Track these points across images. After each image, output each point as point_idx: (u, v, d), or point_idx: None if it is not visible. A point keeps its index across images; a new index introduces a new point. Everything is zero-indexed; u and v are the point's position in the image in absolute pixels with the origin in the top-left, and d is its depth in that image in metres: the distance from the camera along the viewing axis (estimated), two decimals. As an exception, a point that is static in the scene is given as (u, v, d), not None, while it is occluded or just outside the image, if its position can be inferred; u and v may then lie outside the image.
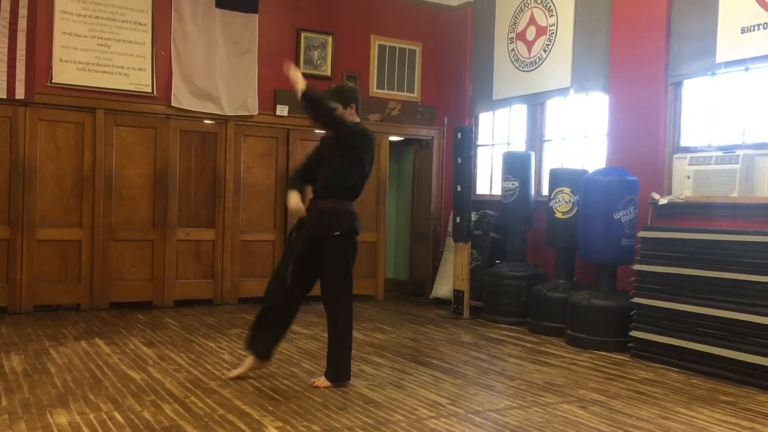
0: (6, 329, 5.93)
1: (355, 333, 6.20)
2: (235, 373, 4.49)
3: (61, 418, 3.60)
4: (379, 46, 8.43)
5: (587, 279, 6.51)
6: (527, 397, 4.30)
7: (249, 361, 4.51)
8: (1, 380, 4.31)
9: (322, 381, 4.40)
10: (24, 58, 6.60)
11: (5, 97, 6.55)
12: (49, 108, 6.81)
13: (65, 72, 6.82)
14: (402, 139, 8.92)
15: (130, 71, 7.09)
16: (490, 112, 8.39)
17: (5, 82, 6.54)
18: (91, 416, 3.66)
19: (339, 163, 4.38)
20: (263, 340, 4.48)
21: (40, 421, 3.54)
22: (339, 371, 4.43)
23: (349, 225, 4.40)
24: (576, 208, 6.37)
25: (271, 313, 4.46)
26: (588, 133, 7.07)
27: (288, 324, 4.56)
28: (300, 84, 4.23)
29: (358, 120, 4.52)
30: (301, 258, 4.36)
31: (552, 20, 7.28)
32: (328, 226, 4.34)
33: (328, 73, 8.10)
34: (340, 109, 4.42)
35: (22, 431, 3.40)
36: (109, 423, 3.56)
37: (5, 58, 6.53)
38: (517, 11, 7.76)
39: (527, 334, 6.48)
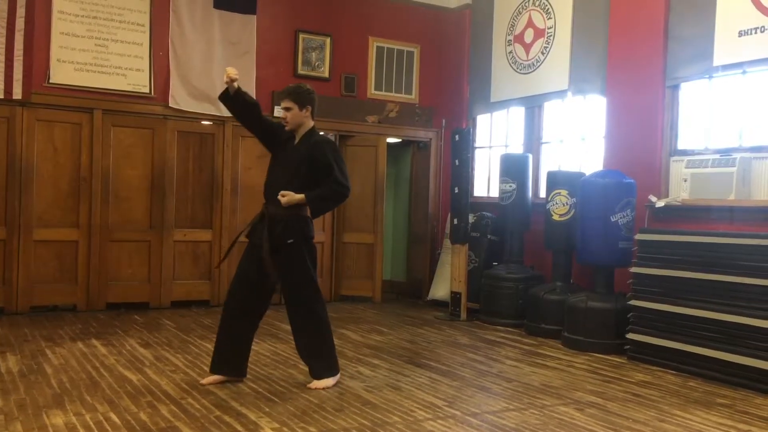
0: (2, 330, 5.91)
1: (351, 334, 6.22)
2: (208, 380, 4.40)
3: (57, 419, 3.60)
4: (378, 47, 8.43)
5: (584, 281, 6.51)
6: (524, 399, 4.30)
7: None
8: (-3, 381, 4.30)
9: (318, 383, 4.38)
10: (21, 58, 6.59)
11: (2, 97, 6.54)
12: (47, 108, 6.80)
13: (63, 72, 6.82)
14: (400, 140, 8.92)
15: (127, 72, 7.09)
16: (488, 114, 8.40)
17: (2, 82, 6.53)
18: (87, 417, 3.65)
19: (305, 171, 4.31)
20: (233, 358, 4.38)
21: (36, 422, 3.54)
22: (330, 363, 4.43)
23: (302, 232, 4.34)
24: (573, 210, 6.38)
25: (233, 321, 4.34)
26: (585, 136, 7.08)
27: (253, 332, 4.45)
28: (296, 198, 4.22)
29: (312, 123, 4.45)
30: (255, 266, 4.29)
31: (550, 23, 7.29)
32: (281, 234, 4.27)
33: (326, 74, 8.10)
34: (295, 109, 4.34)
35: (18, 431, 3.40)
36: (106, 424, 3.55)
37: (2, 58, 6.52)
38: (515, 13, 7.77)
39: (524, 336, 6.48)
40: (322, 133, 4.62)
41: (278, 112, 7.70)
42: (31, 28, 6.64)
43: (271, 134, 4.51)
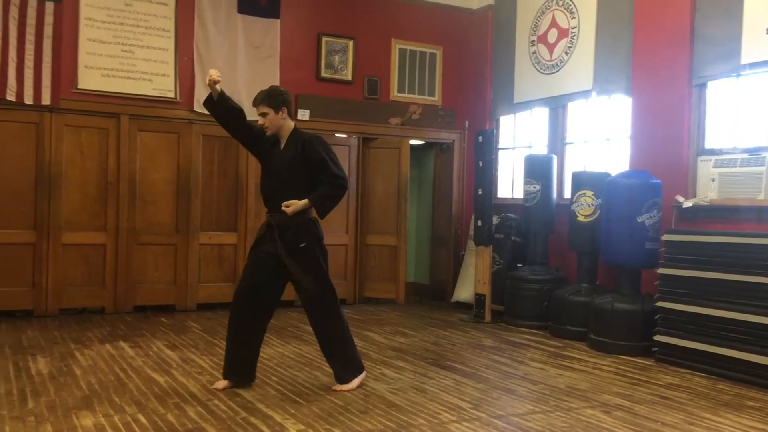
0: (32, 332, 6.01)
1: (375, 336, 6.23)
2: (221, 384, 4.37)
3: (87, 420, 3.64)
4: (400, 49, 8.44)
5: (610, 283, 6.45)
6: (550, 402, 4.27)
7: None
8: (28, 382, 4.37)
9: (342, 387, 4.38)
10: (50, 64, 6.70)
11: (32, 103, 6.65)
12: (75, 114, 6.90)
13: (90, 78, 6.92)
14: (423, 142, 8.92)
15: (153, 77, 7.17)
16: (511, 115, 8.36)
17: (31, 89, 6.64)
18: (116, 418, 3.70)
19: (302, 174, 4.28)
20: (243, 364, 4.38)
21: (65, 423, 3.59)
22: (354, 364, 4.44)
23: (313, 234, 4.33)
24: (598, 211, 6.32)
25: (242, 328, 4.33)
26: (610, 136, 7.02)
27: (262, 337, 4.45)
28: (300, 205, 4.20)
29: (293, 124, 4.41)
30: (267, 272, 4.29)
31: (574, 22, 7.24)
32: (292, 240, 4.26)
33: (349, 77, 8.12)
34: (271, 113, 4.28)
35: (48, 433, 3.45)
36: (134, 425, 3.59)
37: (31, 64, 6.63)
38: (539, 14, 7.73)
39: (549, 338, 6.44)
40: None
41: (301, 115, 7.83)
42: (59, 34, 6.74)
43: (257, 140, 4.45)
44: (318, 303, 4.39)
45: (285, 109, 4.34)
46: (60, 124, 6.86)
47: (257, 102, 4.32)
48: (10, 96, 6.55)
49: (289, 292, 8.23)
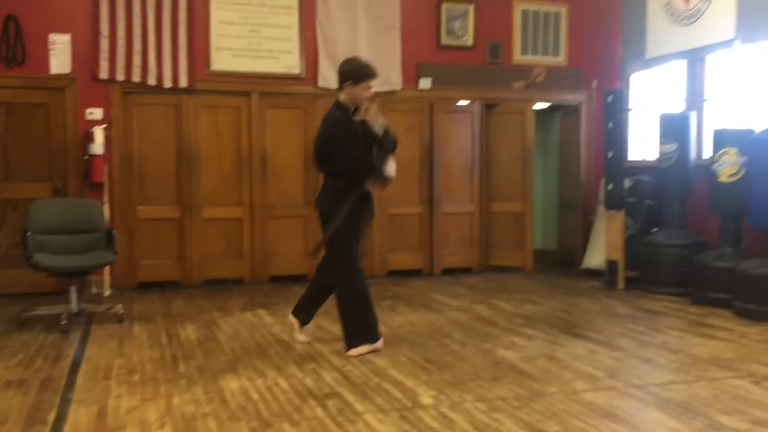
0: (180, 302, 6.46)
1: (504, 304, 6.19)
2: (378, 345, 4.52)
3: (232, 383, 3.88)
4: (522, 11, 8.18)
5: (757, 246, 6.02)
6: (692, 372, 4.08)
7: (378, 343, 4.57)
8: (179, 348, 4.71)
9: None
10: (185, 48, 7.07)
11: (171, 86, 7.06)
12: (209, 94, 7.26)
13: (222, 59, 7.23)
14: (547, 105, 8.65)
15: (279, 54, 7.39)
16: (643, 72, 7.91)
17: (170, 72, 7.04)
18: (258, 382, 3.91)
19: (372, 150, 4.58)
20: (375, 322, 4.61)
21: (213, 386, 3.84)
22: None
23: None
24: (744, 170, 5.89)
25: (368, 292, 4.59)
26: (756, 89, 6.48)
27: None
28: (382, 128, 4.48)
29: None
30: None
31: (712, -33, 6.71)
32: (372, 206, 4.66)
33: (471, 42, 7.99)
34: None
35: (198, 394, 3.71)
36: (275, 389, 3.78)
37: (169, 49, 7.02)
38: (672, -39, 7.23)
39: (689, 305, 6.12)
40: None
41: (423, 83, 7.81)
42: (192, 19, 7.09)
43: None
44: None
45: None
46: (197, 105, 7.24)
47: (373, 75, 4.57)
48: (152, 80, 6.99)
49: (416, 261, 8.29)
